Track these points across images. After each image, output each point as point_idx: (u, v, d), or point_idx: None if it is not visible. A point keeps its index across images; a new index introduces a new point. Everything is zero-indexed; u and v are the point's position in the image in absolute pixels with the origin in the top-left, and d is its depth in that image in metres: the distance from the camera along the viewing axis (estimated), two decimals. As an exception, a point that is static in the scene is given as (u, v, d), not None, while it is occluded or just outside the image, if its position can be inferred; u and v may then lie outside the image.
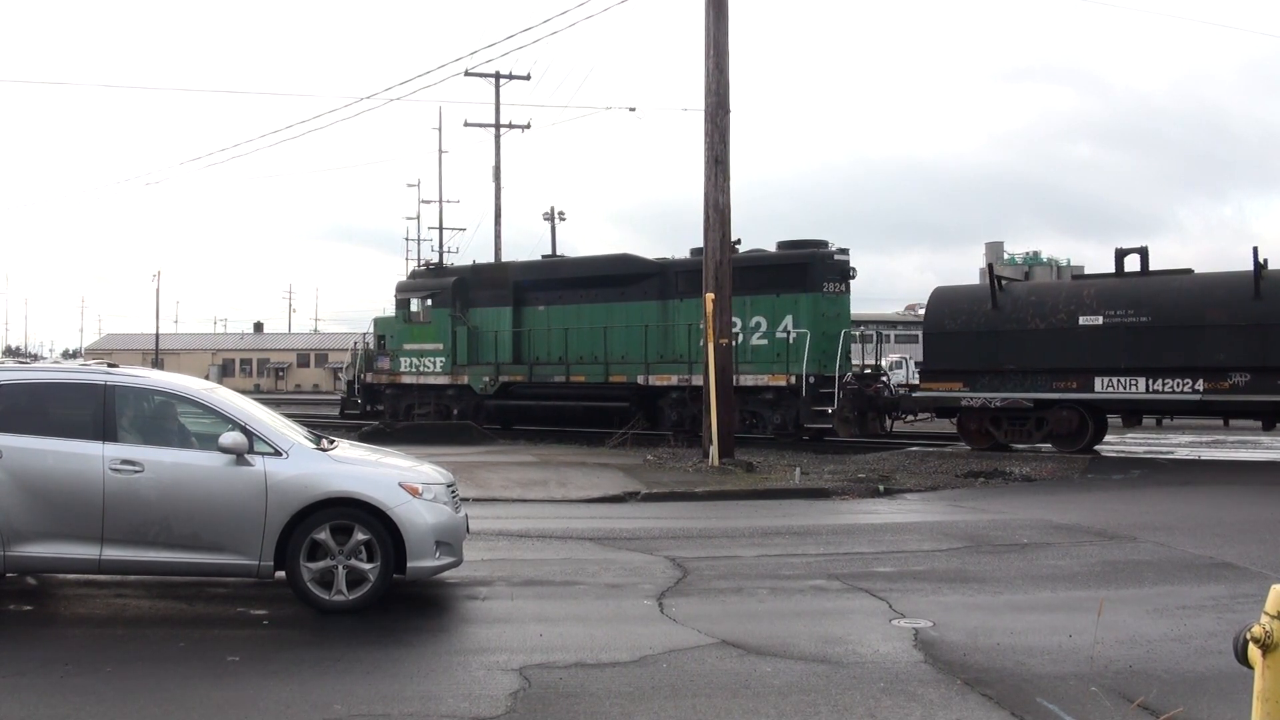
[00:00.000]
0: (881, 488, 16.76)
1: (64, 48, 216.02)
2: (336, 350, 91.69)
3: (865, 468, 19.30)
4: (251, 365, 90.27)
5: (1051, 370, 21.37)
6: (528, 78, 43.24)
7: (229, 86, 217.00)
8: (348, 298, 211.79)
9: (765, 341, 25.12)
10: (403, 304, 32.18)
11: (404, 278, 38.44)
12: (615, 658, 7.21)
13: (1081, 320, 21.14)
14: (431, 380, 30.91)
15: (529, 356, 29.14)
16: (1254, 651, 3.86)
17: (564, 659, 7.18)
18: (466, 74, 37.97)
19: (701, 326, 25.25)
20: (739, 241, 26.44)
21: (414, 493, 8.54)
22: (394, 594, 8.78)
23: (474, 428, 28.08)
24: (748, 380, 24.70)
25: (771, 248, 26.38)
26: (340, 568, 8.34)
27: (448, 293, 30.64)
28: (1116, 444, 25.21)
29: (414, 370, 31.31)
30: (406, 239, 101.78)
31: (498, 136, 43.85)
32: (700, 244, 26.79)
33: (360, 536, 8.36)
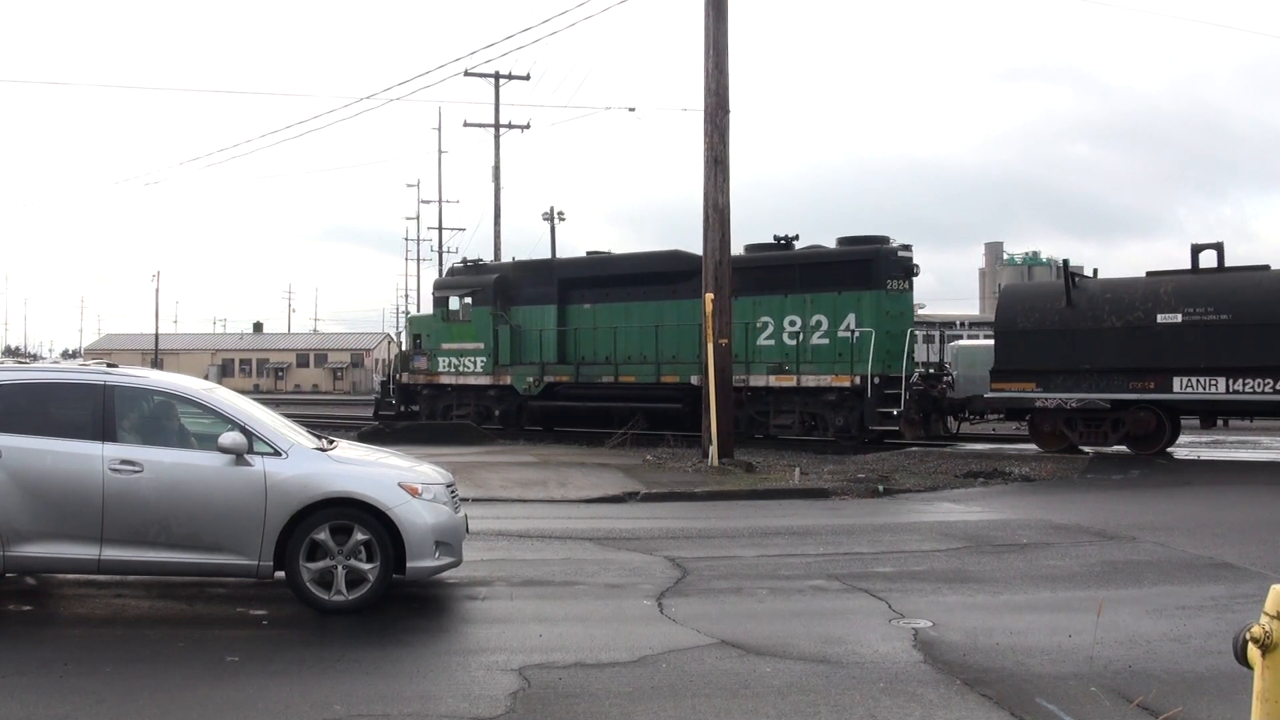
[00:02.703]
0: (881, 488, 16.75)
1: (64, 48, 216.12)
2: (336, 350, 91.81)
3: (865, 468, 19.30)
4: (251, 365, 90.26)
5: (1128, 370, 20.79)
6: (527, 78, 43.33)
7: (229, 86, 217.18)
8: (347, 298, 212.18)
9: (826, 341, 24.39)
10: (441, 302, 31.25)
11: (441, 275, 37.86)
12: (615, 658, 7.21)
13: (1160, 318, 20.58)
14: (472, 380, 30.01)
15: (575, 356, 28.36)
16: (1253, 651, 3.87)
17: (563, 659, 7.18)
18: (466, 74, 37.98)
19: (758, 325, 25.08)
20: (796, 237, 25.77)
21: (413, 493, 8.54)
22: (393, 594, 8.78)
23: (473, 428, 27.88)
24: (809, 381, 24.12)
25: (831, 243, 25.55)
26: (340, 568, 8.34)
27: (489, 290, 29.73)
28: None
29: (453, 370, 30.42)
30: (406, 239, 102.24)
31: (497, 136, 43.88)
32: (753, 240, 26.63)
33: (360, 536, 8.36)
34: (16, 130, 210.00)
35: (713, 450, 19.19)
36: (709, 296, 19.53)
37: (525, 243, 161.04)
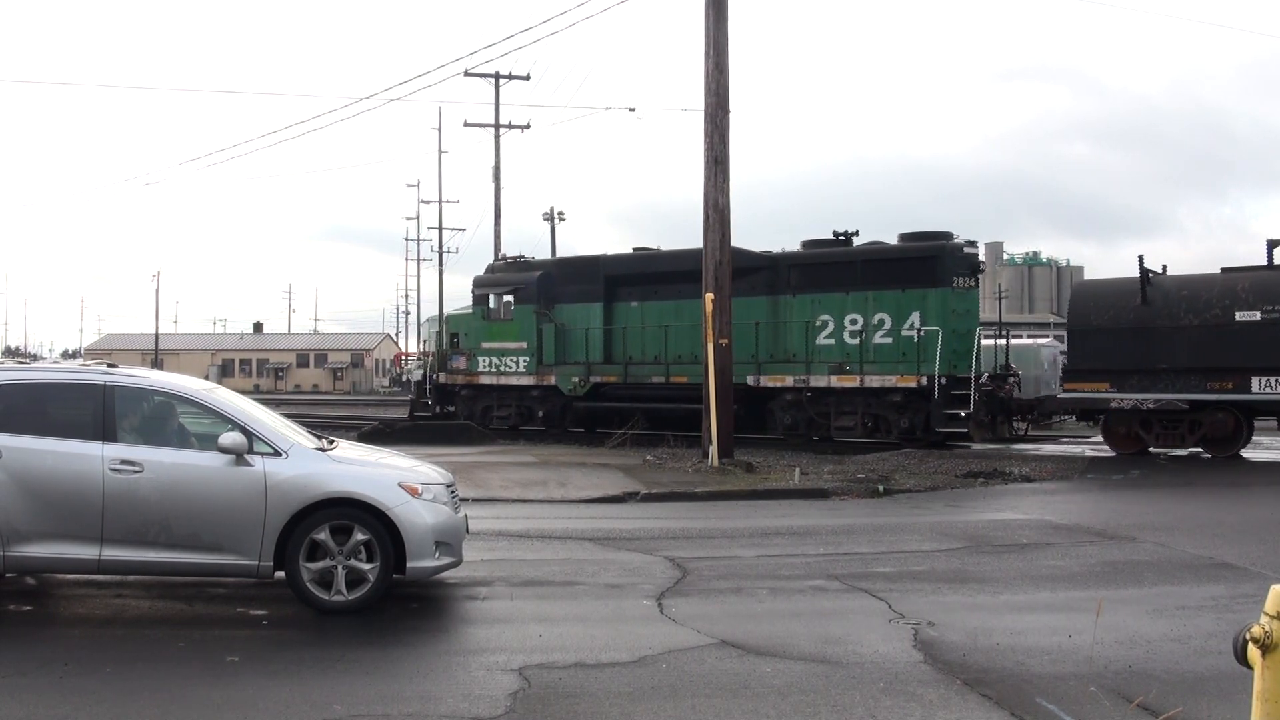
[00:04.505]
0: (881, 488, 16.75)
1: (64, 48, 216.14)
2: (336, 350, 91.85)
3: (865, 468, 19.30)
4: (251, 365, 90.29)
5: (1205, 369, 20.31)
6: (527, 78, 43.33)
7: (229, 86, 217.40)
8: (347, 298, 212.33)
9: (889, 340, 23.68)
10: (481, 300, 30.22)
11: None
12: (615, 658, 7.21)
13: (1238, 316, 20.15)
14: (514, 381, 29.14)
15: (622, 356, 27.55)
16: (1253, 652, 3.87)
17: (563, 659, 7.18)
18: (466, 74, 37.97)
19: (817, 324, 24.52)
20: (856, 233, 25.15)
21: (413, 493, 8.54)
22: (394, 594, 8.78)
23: (473, 428, 27.77)
24: (873, 381, 23.45)
25: (892, 239, 24.93)
26: (340, 568, 8.33)
27: (532, 288, 28.91)
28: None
29: (494, 370, 29.50)
30: (406, 239, 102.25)
31: (497, 136, 43.90)
32: (811, 236, 25.98)
33: (360, 537, 8.36)
34: (16, 130, 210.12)
35: (713, 450, 19.20)
36: (709, 296, 19.55)
37: (525, 243, 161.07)
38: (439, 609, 8.87)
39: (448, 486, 9.04)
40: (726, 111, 19.42)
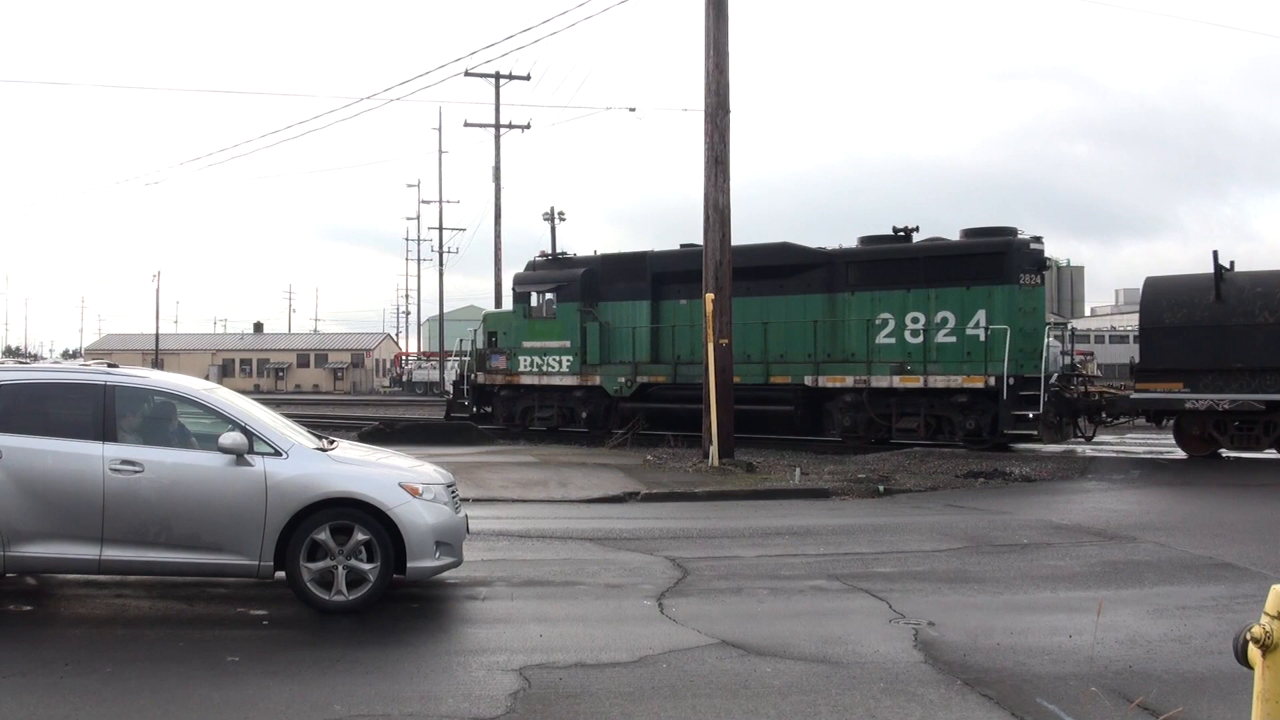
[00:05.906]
0: (881, 488, 16.76)
1: (64, 48, 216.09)
2: (336, 350, 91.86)
3: (865, 468, 19.30)
4: (251, 365, 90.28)
5: (1278, 369, 19.83)
6: (528, 78, 43.38)
7: (229, 86, 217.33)
8: (347, 298, 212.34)
9: (954, 339, 22.85)
10: (521, 298, 29.19)
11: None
12: (615, 658, 7.21)
13: None
14: (556, 381, 28.24)
15: (671, 355, 26.58)
16: (1254, 652, 3.86)
17: (564, 659, 7.18)
18: (466, 74, 38.07)
19: (877, 322, 23.83)
20: (917, 229, 24.49)
21: (414, 493, 8.54)
22: (394, 594, 8.78)
23: (473, 428, 27.73)
24: (937, 382, 22.66)
25: (951, 238, 24.21)
26: (340, 568, 8.34)
27: (575, 285, 27.92)
28: (1116, 444, 25.22)
29: (535, 370, 28.61)
30: (406, 239, 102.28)
31: (497, 137, 43.93)
32: (861, 235, 25.13)
33: (360, 537, 8.37)
34: (16, 130, 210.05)
35: (713, 450, 19.20)
36: (709, 296, 19.54)
37: (526, 243, 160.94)
38: (439, 609, 8.87)
39: (448, 486, 9.04)
40: (726, 111, 19.44)
